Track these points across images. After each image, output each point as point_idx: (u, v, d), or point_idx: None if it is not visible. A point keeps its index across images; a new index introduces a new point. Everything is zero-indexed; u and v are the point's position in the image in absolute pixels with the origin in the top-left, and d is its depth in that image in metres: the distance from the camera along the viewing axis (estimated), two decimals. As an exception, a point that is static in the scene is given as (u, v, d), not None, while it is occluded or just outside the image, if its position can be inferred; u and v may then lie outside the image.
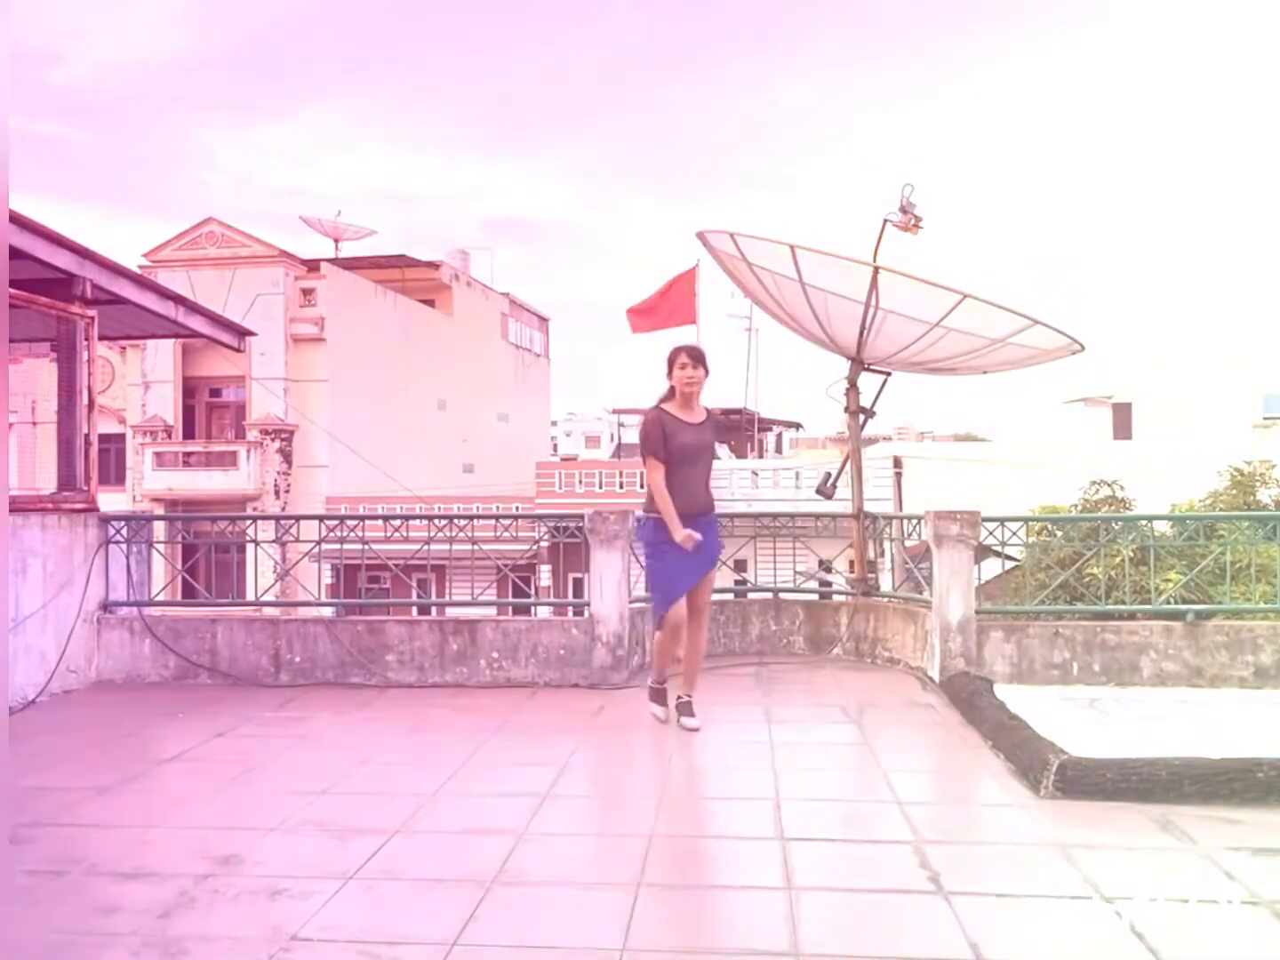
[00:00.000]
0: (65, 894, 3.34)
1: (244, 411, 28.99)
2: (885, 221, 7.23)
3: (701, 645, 5.73)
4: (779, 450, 46.20)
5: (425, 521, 7.25)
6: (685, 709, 5.50)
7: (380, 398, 29.83)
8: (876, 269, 6.98)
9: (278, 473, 28.30)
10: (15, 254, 5.77)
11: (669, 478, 5.31)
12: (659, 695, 5.66)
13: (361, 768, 4.81)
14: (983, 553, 7.12)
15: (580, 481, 28.00)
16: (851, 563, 7.96)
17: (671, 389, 5.39)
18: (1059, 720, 5.29)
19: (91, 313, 6.85)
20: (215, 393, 30.05)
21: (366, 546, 7.04)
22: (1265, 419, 28.44)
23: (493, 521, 7.60)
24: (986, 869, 3.57)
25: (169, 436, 28.83)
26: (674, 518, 5.25)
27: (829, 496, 7.63)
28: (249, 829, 3.91)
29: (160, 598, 7.72)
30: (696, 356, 5.36)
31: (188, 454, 28.60)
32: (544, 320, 43.44)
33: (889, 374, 7.75)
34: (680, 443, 5.30)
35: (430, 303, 34.13)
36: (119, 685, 6.73)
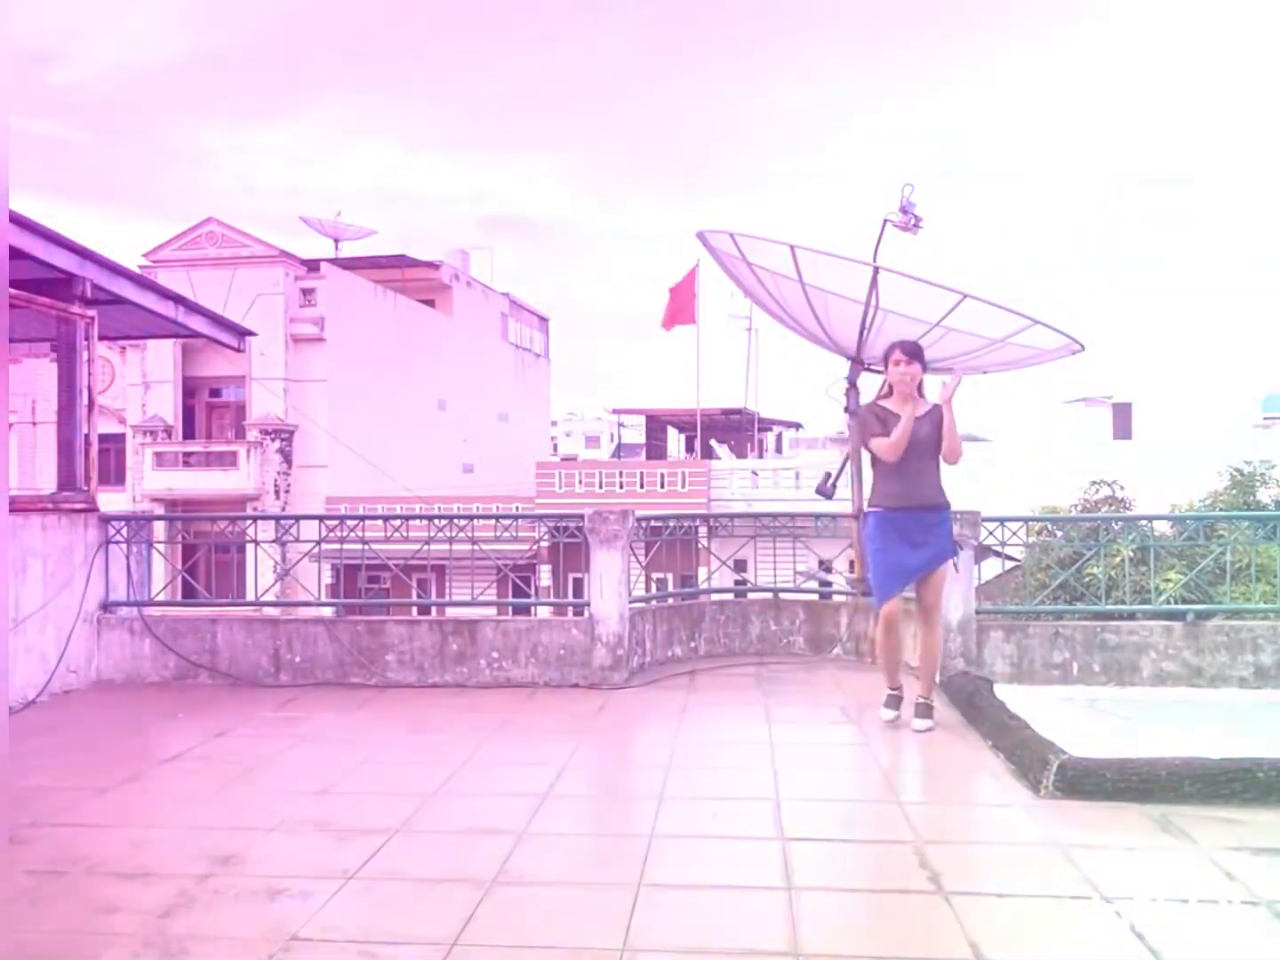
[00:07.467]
0: (65, 894, 3.34)
1: (244, 411, 29.00)
2: (885, 221, 7.22)
3: (934, 647, 5.64)
4: (779, 450, 46.16)
5: (425, 521, 7.24)
6: (921, 710, 5.40)
7: (380, 398, 29.82)
8: (876, 269, 6.97)
9: (278, 473, 28.30)
10: (15, 254, 5.77)
11: (882, 469, 5.36)
12: (893, 701, 5.50)
13: (361, 768, 4.81)
14: (983, 553, 7.12)
15: (580, 481, 28.01)
16: (851, 563, 7.95)
17: (889, 385, 5.42)
18: (1059, 720, 5.28)
19: (91, 313, 6.84)
20: (215, 393, 30.06)
21: (366, 546, 7.04)
22: (1265, 419, 28.46)
23: (493, 521, 7.60)
24: (986, 869, 3.57)
25: (169, 436, 28.84)
26: (905, 432, 5.22)
27: (829, 496, 7.62)
28: (249, 829, 3.91)
29: (160, 598, 7.70)
30: (911, 352, 5.37)
31: (188, 454, 28.61)
32: (544, 320, 43.44)
33: (889, 374, 7.73)
34: None
35: (430, 303, 34.13)
36: (119, 685, 6.73)
